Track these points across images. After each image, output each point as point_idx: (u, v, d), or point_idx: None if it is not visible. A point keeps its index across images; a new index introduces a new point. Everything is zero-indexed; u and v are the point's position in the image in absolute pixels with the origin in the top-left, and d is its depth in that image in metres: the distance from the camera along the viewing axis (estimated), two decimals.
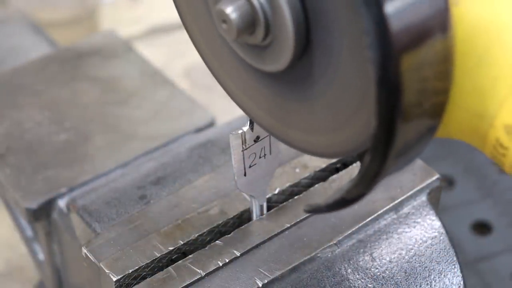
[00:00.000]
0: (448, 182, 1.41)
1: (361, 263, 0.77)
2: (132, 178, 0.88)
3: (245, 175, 0.75)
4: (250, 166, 0.74)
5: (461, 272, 0.80)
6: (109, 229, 0.80)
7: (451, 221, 1.33)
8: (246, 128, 0.72)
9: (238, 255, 0.75)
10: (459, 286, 0.79)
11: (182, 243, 0.77)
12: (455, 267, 0.79)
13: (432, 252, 0.79)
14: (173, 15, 0.69)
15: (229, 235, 0.77)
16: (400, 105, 0.52)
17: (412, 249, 0.79)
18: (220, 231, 0.79)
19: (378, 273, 0.77)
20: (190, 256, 0.75)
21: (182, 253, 0.77)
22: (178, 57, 1.78)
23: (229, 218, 0.79)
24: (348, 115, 0.57)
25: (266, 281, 0.73)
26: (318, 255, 0.76)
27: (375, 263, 0.77)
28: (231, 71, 0.67)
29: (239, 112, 0.73)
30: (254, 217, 0.79)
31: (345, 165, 0.85)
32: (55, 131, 0.97)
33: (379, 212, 0.79)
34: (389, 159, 0.54)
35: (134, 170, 0.90)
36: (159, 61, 1.63)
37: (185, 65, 1.77)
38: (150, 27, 1.88)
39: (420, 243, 0.79)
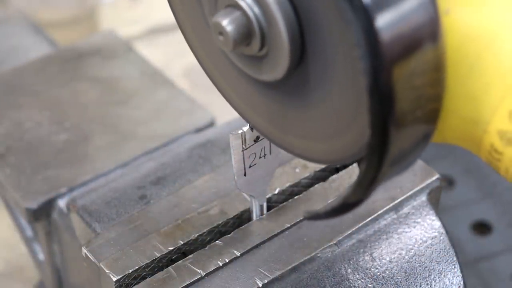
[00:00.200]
0: (448, 182, 1.41)
1: (361, 263, 0.77)
2: (132, 178, 0.88)
3: (245, 175, 0.75)
4: (250, 166, 0.74)
5: (461, 272, 0.80)
6: (109, 229, 0.80)
7: (451, 221, 1.33)
8: (246, 128, 0.72)
9: (238, 255, 0.75)
10: (459, 286, 0.79)
11: (182, 243, 0.77)
12: (455, 267, 0.79)
13: (432, 252, 0.79)
14: (173, 16, 0.70)
15: (229, 235, 0.77)
16: (393, 114, 0.52)
17: (412, 249, 0.79)
18: (220, 231, 0.79)
19: (378, 273, 0.77)
20: (190, 256, 0.75)
21: (182, 253, 0.77)
22: (177, 57, 1.78)
23: (229, 218, 0.79)
24: (345, 123, 0.58)
25: (266, 281, 0.73)
26: (318, 255, 0.76)
27: (375, 263, 0.77)
28: (230, 80, 0.68)
29: None
30: (254, 217, 0.79)
31: (345, 165, 0.85)
32: (55, 131, 0.97)
33: (379, 212, 0.79)
34: (384, 167, 0.55)
35: (134, 170, 0.90)
36: (159, 61, 1.63)
37: (184, 65, 1.77)
38: (149, 27, 1.88)
39: (420, 243, 0.79)
